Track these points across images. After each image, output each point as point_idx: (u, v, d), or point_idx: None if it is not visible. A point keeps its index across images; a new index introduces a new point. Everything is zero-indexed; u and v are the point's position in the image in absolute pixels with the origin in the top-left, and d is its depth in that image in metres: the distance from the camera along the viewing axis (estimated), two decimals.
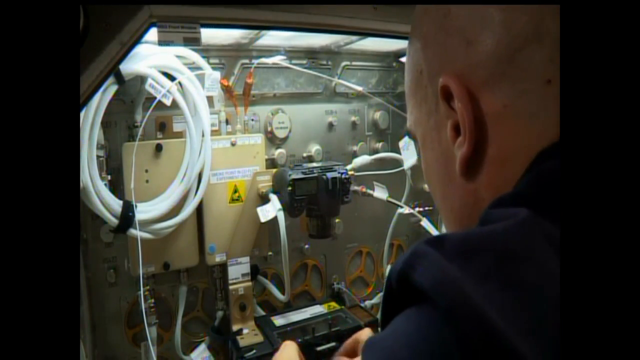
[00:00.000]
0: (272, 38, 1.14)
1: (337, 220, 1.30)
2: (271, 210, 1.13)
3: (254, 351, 1.08)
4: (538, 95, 0.35)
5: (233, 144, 1.16)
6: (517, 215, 0.31)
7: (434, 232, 1.30)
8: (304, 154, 1.33)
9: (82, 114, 0.90)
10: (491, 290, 0.28)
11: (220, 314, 1.22)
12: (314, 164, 1.23)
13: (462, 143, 0.38)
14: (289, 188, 1.11)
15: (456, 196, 0.41)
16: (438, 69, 0.39)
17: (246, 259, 1.20)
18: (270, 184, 1.19)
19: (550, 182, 0.33)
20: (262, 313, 1.26)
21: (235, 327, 1.18)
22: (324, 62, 1.33)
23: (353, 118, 1.41)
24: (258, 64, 1.18)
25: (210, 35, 1.07)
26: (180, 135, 1.13)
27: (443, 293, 0.28)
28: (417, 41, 0.43)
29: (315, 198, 1.15)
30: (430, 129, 0.42)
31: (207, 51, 1.14)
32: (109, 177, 1.01)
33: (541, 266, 0.29)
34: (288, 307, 1.29)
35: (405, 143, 1.28)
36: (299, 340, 1.07)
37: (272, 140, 1.28)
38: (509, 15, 0.35)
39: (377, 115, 1.43)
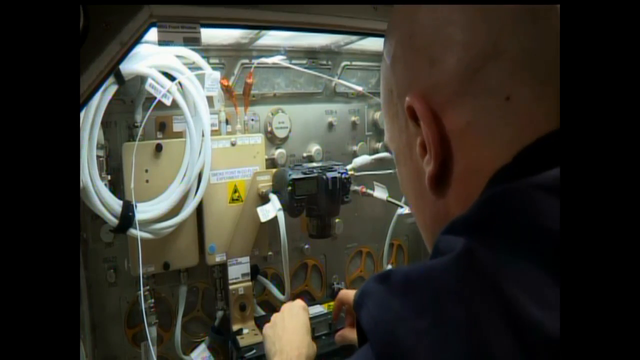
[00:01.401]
0: (272, 38, 1.14)
1: (337, 220, 1.30)
2: (271, 210, 1.13)
3: (254, 351, 1.08)
4: (498, 112, 0.36)
5: (233, 144, 1.16)
6: (455, 249, 0.33)
7: None
8: (304, 154, 1.33)
9: (82, 114, 0.90)
10: (424, 327, 0.30)
11: (220, 314, 1.22)
12: (314, 164, 1.23)
13: (429, 161, 0.39)
14: (289, 188, 1.11)
15: (427, 211, 0.43)
16: (405, 89, 0.40)
17: (246, 259, 1.20)
18: (270, 184, 1.19)
19: (494, 209, 0.34)
20: (262, 313, 1.26)
21: (235, 327, 1.18)
22: (324, 62, 1.33)
23: (353, 118, 1.41)
24: (258, 64, 1.18)
25: (210, 35, 1.07)
26: (180, 135, 1.13)
27: (377, 334, 0.32)
28: (387, 59, 0.44)
29: (315, 198, 1.15)
30: (403, 146, 0.43)
31: (207, 51, 1.14)
32: (109, 177, 1.01)
33: (468, 304, 0.30)
34: None
35: None
36: None
37: (272, 140, 1.28)
38: (468, 35, 0.36)
39: (377, 115, 1.44)
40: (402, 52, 0.41)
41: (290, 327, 0.91)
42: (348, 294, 0.91)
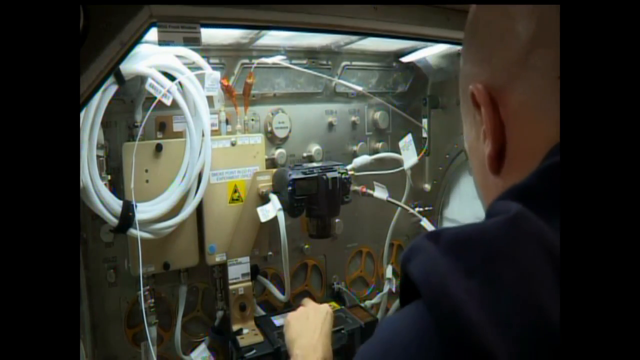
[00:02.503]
0: (272, 38, 1.14)
1: (337, 220, 1.30)
2: (271, 210, 1.13)
3: (254, 351, 1.08)
4: (551, 90, 0.37)
5: (233, 144, 1.16)
6: (509, 211, 0.34)
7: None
8: (304, 154, 1.33)
9: (82, 114, 0.90)
10: (474, 285, 0.31)
11: (220, 314, 1.22)
12: (314, 164, 1.23)
13: (488, 143, 0.43)
14: (289, 188, 1.11)
15: (490, 193, 0.46)
16: (471, 81, 0.45)
17: (246, 259, 1.20)
18: (270, 184, 1.19)
19: (550, 178, 0.35)
20: (262, 313, 1.26)
21: (235, 327, 1.18)
22: (324, 62, 1.33)
23: (353, 118, 1.41)
24: (258, 64, 1.18)
25: (210, 35, 1.07)
26: (180, 135, 1.13)
27: (428, 285, 0.33)
28: (461, 60, 0.49)
29: (315, 198, 1.15)
30: (473, 139, 0.47)
31: (207, 51, 1.14)
32: (109, 177, 1.01)
33: (519, 265, 0.32)
34: (288, 307, 1.29)
35: (405, 143, 1.28)
36: None
37: (272, 140, 1.28)
38: (519, 25, 0.40)
39: (377, 115, 1.43)
40: (467, 49, 0.47)
41: (315, 325, 0.96)
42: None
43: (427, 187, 1.55)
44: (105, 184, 0.98)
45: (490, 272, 0.32)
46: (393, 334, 0.36)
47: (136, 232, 0.99)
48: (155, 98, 0.99)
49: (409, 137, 1.27)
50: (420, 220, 1.31)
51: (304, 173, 1.14)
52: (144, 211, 1.02)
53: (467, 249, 0.34)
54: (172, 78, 1.01)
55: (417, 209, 1.39)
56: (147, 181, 1.07)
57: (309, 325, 0.95)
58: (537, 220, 0.33)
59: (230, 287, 1.18)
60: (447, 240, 0.35)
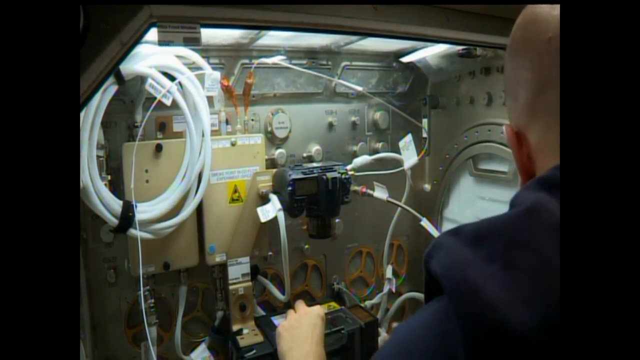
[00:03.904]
0: (272, 38, 1.14)
1: (337, 220, 1.30)
2: (271, 210, 1.13)
3: (254, 351, 1.08)
4: (558, 129, 0.42)
5: (233, 144, 1.16)
6: (528, 201, 0.37)
7: (434, 232, 1.30)
8: (304, 154, 1.33)
9: (82, 114, 0.90)
10: (496, 270, 0.34)
11: (220, 314, 1.22)
12: (314, 164, 1.23)
13: (519, 175, 0.51)
14: (289, 188, 1.11)
15: None
16: (508, 115, 0.53)
17: (246, 259, 1.20)
18: (270, 184, 1.19)
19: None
20: (262, 313, 1.26)
21: (235, 327, 1.18)
22: (324, 62, 1.33)
23: (353, 118, 1.41)
24: (258, 64, 1.18)
25: (210, 35, 1.07)
26: (180, 135, 1.13)
27: (449, 277, 0.36)
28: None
29: (315, 198, 1.15)
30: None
31: (207, 51, 1.14)
32: (109, 177, 1.01)
33: (538, 253, 0.34)
34: (288, 307, 1.29)
35: (405, 143, 1.28)
36: None
37: (272, 140, 1.28)
38: (533, 74, 0.46)
39: (377, 115, 1.44)
40: (505, 94, 0.56)
41: (305, 333, 0.96)
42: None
43: (427, 187, 1.55)
44: (105, 184, 0.98)
45: (510, 257, 0.34)
46: (409, 330, 0.39)
47: (136, 232, 0.99)
48: (155, 98, 0.99)
49: (409, 137, 1.28)
50: (420, 220, 1.31)
51: (304, 173, 1.14)
52: (144, 211, 1.02)
53: (487, 238, 0.37)
54: (172, 78, 1.01)
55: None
56: (147, 181, 1.07)
57: (299, 335, 0.95)
58: (553, 209, 0.35)
59: (230, 287, 1.18)
60: (468, 232, 0.38)
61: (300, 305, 1.09)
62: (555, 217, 0.35)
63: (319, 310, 1.04)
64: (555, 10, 0.43)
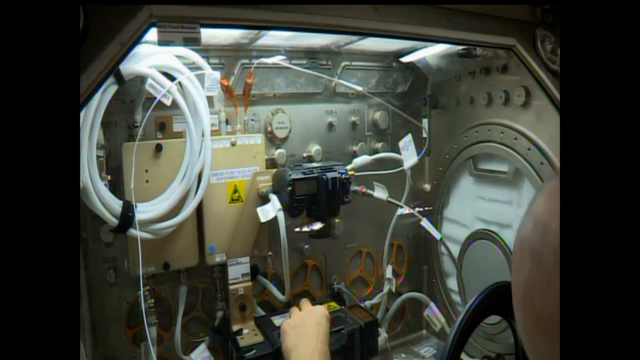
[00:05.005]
0: (272, 38, 1.14)
1: (337, 220, 1.30)
2: (271, 210, 1.13)
3: (254, 351, 1.08)
4: None
5: (233, 144, 1.16)
6: None
7: (434, 232, 1.30)
8: (304, 154, 1.33)
9: (82, 114, 0.90)
10: None
11: (220, 314, 1.22)
12: (314, 164, 1.23)
13: None
14: (289, 188, 1.11)
15: None
16: None
17: (246, 259, 1.20)
18: (270, 184, 1.19)
19: None
20: (262, 313, 1.26)
21: (235, 327, 1.18)
22: (324, 62, 1.33)
23: (353, 118, 1.41)
24: (258, 64, 1.18)
25: (210, 35, 1.07)
26: (180, 135, 1.13)
27: None
28: None
29: (315, 198, 1.15)
30: None
31: (207, 51, 1.14)
32: (109, 177, 1.01)
33: None
34: (288, 307, 1.29)
35: (405, 143, 1.28)
36: None
37: (272, 140, 1.28)
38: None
39: (377, 115, 1.44)
40: None
41: (311, 331, 0.96)
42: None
43: (427, 187, 1.55)
44: (105, 184, 0.98)
45: None
46: None
47: (136, 232, 0.99)
48: (155, 98, 0.99)
49: (408, 137, 1.28)
50: (420, 220, 1.31)
51: (304, 173, 1.14)
52: (144, 211, 1.02)
53: None
54: (172, 78, 1.01)
55: (417, 209, 1.39)
56: (147, 181, 1.07)
57: (305, 333, 0.95)
58: None
59: (230, 287, 1.18)
60: None
61: (306, 303, 1.09)
62: None
63: (323, 309, 1.04)
64: None
